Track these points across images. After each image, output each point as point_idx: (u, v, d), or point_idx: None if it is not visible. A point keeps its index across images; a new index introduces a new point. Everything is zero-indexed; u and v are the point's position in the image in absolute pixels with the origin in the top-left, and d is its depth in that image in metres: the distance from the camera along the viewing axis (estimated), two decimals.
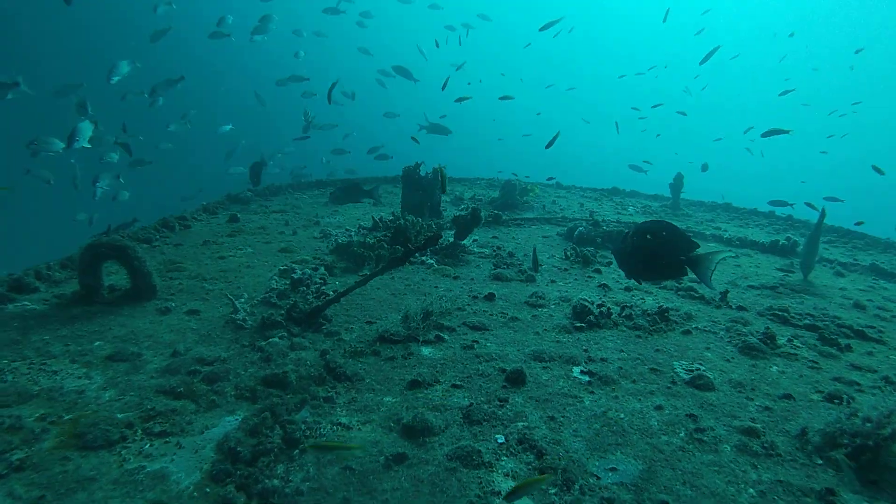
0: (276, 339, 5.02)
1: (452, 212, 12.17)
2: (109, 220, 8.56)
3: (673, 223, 4.71)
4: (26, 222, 40.50)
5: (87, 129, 6.40)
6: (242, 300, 6.01)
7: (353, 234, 9.49)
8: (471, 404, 4.07)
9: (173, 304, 5.83)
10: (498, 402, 4.17)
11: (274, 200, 12.68)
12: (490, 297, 6.59)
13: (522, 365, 4.77)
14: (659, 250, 4.60)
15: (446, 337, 5.35)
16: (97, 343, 4.90)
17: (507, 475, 3.35)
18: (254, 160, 11.35)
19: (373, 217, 9.78)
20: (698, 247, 4.51)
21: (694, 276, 4.56)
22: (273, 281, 6.72)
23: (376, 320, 5.74)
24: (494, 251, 8.88)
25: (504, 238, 10.13)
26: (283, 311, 5.58)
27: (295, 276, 6.61)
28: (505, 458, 3.52)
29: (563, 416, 4.05)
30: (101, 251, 5.74)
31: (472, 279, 7.42)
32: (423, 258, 8.09)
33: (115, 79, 9.70)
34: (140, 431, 3.60)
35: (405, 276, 7.42)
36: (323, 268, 7.16)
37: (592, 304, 6.23)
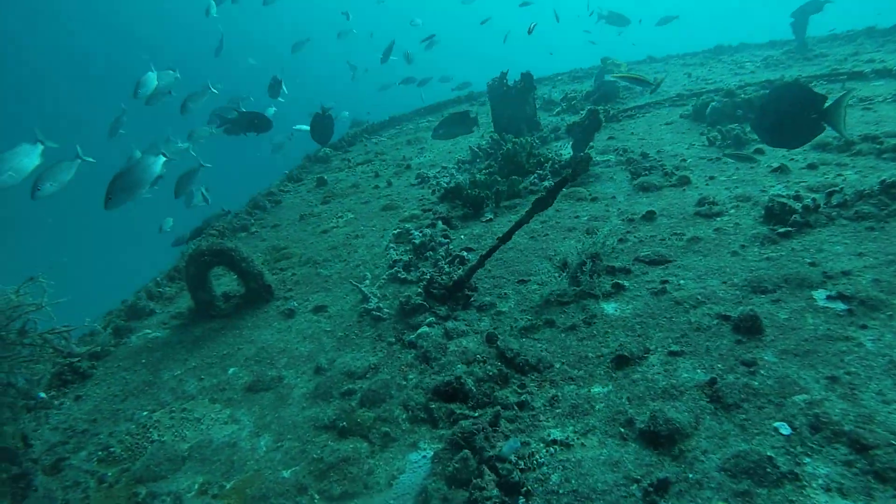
0: (426, 329, 4.16)
1: (549, 120, 10.77)
2: (192, 222, 7.95)
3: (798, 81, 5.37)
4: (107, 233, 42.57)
5: (158, 162, 5.79)
6: (367, 282, 5.19)
7: (454, 171, 8.43)
8: (712, 379, 3.05)
9: (296, 304, 5.10)
10: (745, 368, 3.12)
11: (352, 151, 11.76)
12: (650, 217, 5.41)
13: (745, 304, 3.67)
14: (792, 114, 4.74)
15: (626, 283, 4.29)
16: (231, 371, 4.25)
17: (828, 489, 2.34)
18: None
19: (470, 147, 8.64)
20: (826, 99, 4.58)
21: None
22: (391, 250, 5.85)
23: (528, 276, 4.76)
24: (620, 155, 7.56)
25: (622, 136, 8.71)
26: (419, 289, 4.72)
27: (415, 240, 5.70)
28: (807, 458, 2.51)
29: (846, 373, 2.95)
30: (204, 260, 5.04)
31: (613, 196, 6.22)
32: (545, 183, 6.94)
33: (143, 91, 8.87)
34: (317, 498, 2.87)
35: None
36: (440, 221, 6.20)
37: (786, 197, 4.92)
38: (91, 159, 6.23)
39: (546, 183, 6.89)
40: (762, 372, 3.05)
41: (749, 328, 3.41)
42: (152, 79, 8.76)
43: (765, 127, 5.03)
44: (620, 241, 5.03)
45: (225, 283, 5.88)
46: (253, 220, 8.04)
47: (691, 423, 2.79)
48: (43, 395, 4.04)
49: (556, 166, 7.21)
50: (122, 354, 4.83)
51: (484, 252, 4.60)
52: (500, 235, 4.50)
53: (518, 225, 4.47)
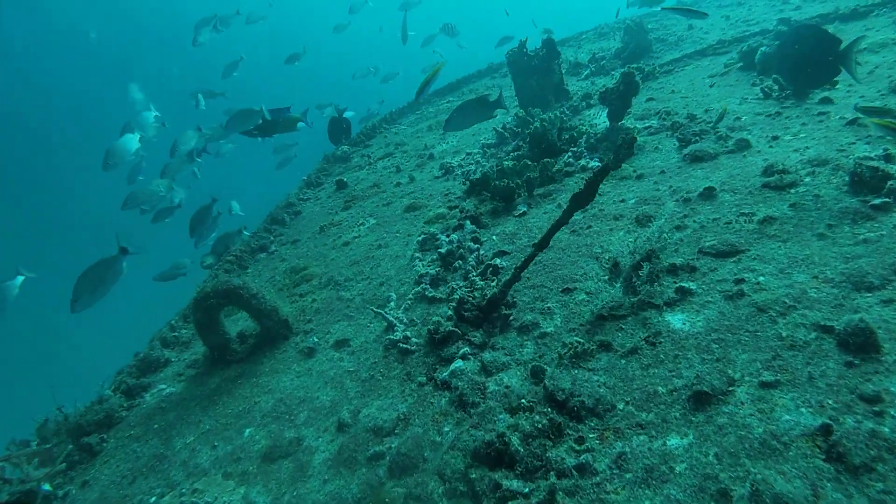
0: (460, 363, 3.58)
1: (577, 86, 9.91)
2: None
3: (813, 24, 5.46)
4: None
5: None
6: (392, 304, 4.63)
7: (479, 158, 7.74)
8: (826, 426, 2.36)
9: (316, 339, 4.58)
10: (866, 406, 2.42)
11: (373, 145, 11.16)
12: (709, 194, 4.64)
13: (848, 308, 2.93)
14: (811, 56, 5.12)
15: (692, 285, 3.58)
16: (247, 433, 3.77)
17: None
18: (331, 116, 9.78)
19: (494, 129, 7.91)
20: (840, 42, 4.91)
21: None
22: (417, 261, 5.26)
23: (573, 283, 4.10)
24: (663, 119, 6.71)
25: (663, 96, 7.82)
26: (449, 310, 4.12)
27: (441, 248, 5.08)
28: None
29: None
30: (210, 304, 4.56)
31: (662, 171, 5.44)
32: (581, 161, 6.19)
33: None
34: None
35: (570, 194, 5.62)
36: (468, 221, 5.56)
37: (875, 159, 4.07)
38: (33, 275, 5.95)
39: (583, 162, 6.14)
40: (893, 412, 2.34)
41: (861, 344, 2.68)
42: (132, 141, 8.29)
43: (786, 68, 5.59)
44: (678, 228, 4.30)
45: (245, 315, 5.42)
46: (272, 238, 7.58)
47: (808, 499, 2.12)
48: (48, 487, 3.65)
49: (593, 140, 6.44)
50: (133, 420, 4.42)
51: (519, 263, 3.95)
52: (536, 242, 3.84)
53: (555, 227, 3.80)
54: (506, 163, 6.17)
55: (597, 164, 5.98)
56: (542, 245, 3.81)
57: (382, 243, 6.07)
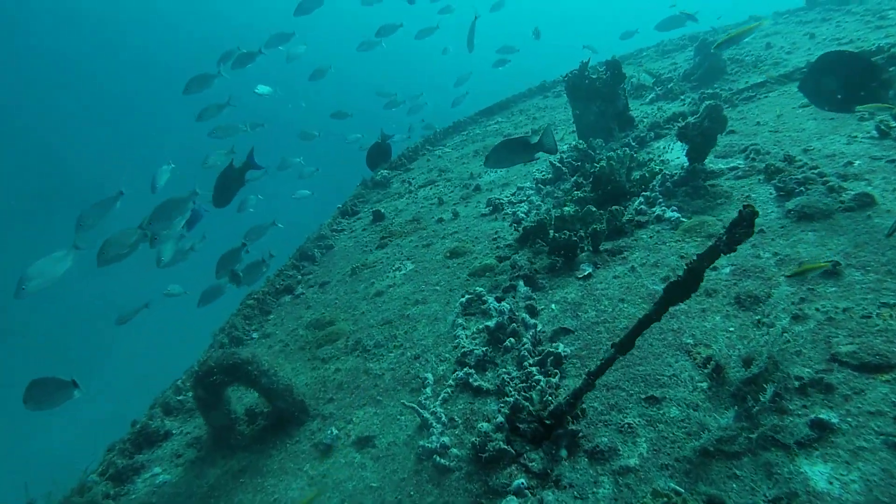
0: (514, 501, 2.72)
1: (641, 110, 8.94)
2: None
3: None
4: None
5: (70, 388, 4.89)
6: (428, 391, 3.80)
7: (531, 193, 6.87)
8: None
9: (335, 431, 3.77)
10: None
11: (414, 168, 10.40)
12: (832, 269, 3.66)
13: None
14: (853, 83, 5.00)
15: (832, 418, 2.63)
16: None
17: None
18: (374, 140, 9.11)
19: (551, 162, 7.03)
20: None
21: None
22: (460, 329, 4.43)
23: (659, 388, 3.19)
24: (752, 159, 5.71)
25: (746, 129, 6.79)
26: (499, 415, 3.26)
27: (490, 320, 4.24)
28: None
29: None
30: (214, 381, 3.82)
31: (760, 230, 4.47)
32: (656, 210, 5.25)
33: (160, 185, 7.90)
34: None
35: (644, 253, 4.70)
36: (521, 281, 4.69)
37: None
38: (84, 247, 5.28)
39: (658, 210, 5.20)
40: None
41: None
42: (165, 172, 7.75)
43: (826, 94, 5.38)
44: (795, 318, 3.35)
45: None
46: (300, 277, 6.86)
47: None
48: None
49: (669, 183, 5.50)
50: None
51: (592, 367, 3.06)
52: (616, 341, 2.94)
53: (643, 324, 2.90)
54: (566, 209, 5.28)
55: (676, 215, 5.03)
56: (624, 347, 2.92)
57: (420, 298, 5.26)
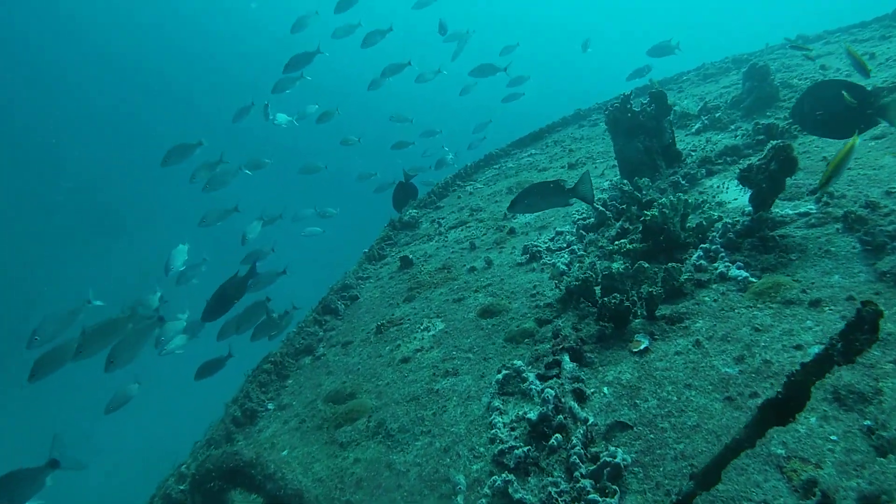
0: None
1: (686, 141, 8.28)
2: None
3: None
4: None
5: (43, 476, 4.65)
6: (460, 499, 3.21)
7: (572, 239, 6.26)
8: None
9: None
10: None
11: (444, 206, 9.89)
12: None
13: None
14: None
15: None
16: None
17: None
18: (398, 181, 8.64)
19: (593, 206, 6.43)
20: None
21: None
22: (496, 414, 3.83)
23: None
24: (826, 204, 5.01)
25: (812, 165, 6.08)
26: None
27: (532, 412, 3.64)
28: None
29: None
30: (212, 488, 3.30)
31: (850, 297, 3.77)
32: (719, 266, 4.59)
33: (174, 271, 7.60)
34: None
35: (710, 321, 4.05)
36: (567, 355, 4.08)
37: None
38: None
39: (721, 267, 4.54)
40: None
41: None
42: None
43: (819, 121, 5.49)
44: None
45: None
46: (322, 333, 6.36)
47: None
48: None
49: (731, 234, 4.84)
50: None
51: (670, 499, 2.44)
52: (697, 472, 2.32)
53: (732, 452, 2.27)
54: (614, 266, 4.66)
55: (744, 273, 4.37)
56: (707, 481, 2.30)
57: (450, 368, 4.69)
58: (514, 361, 4.26)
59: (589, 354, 4.12)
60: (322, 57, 12.10)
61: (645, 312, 4.32)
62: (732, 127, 8.23)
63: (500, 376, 4.17)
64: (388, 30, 13.51)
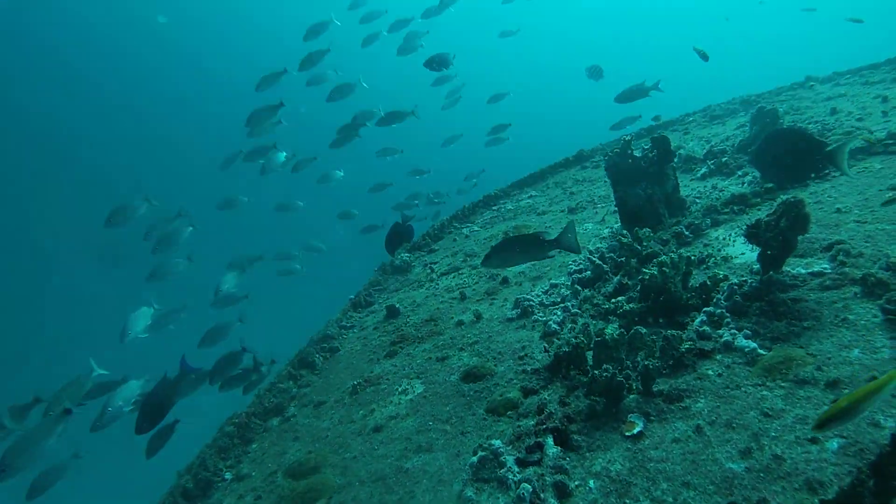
0: None
1: (691, 188, 7.88)
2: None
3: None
4: None
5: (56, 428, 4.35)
6: None
7: (567, 295, 5.82)
8: None
9: None
10: None
11: (439, 250, 9.50)
12: None
13: None
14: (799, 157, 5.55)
15: None
16: None
17: None
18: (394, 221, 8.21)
19: (590, 258, 6.00)
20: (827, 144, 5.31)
21: None
22: None
23: None
24: (842, 263, 4.55)
25: (824, 217, 5.62)
26: None
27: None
28: None
29: None
30: None
31: (873, 376, 3.30)
32: (724, 334, 4.12)
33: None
34: None
35: (713, 401, 3.57)
36: (551, 438, 3.60)
37: None
38: None
39: (726, 336, 4.07)
40: None
41: None
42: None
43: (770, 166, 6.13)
44: None
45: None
46: (296, 390, 5.91)
47: None
48: None
49: (738, 296, 4.38)
50: None
51: None
52: None
53: None
54: (608, 330, 4.20)
55: (752, 344, 3.90)
56: None
57: (424, 442, 4.22)
58: (493, 441, 3.78)
59: (576, 436, 3.64)
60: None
61: (640, 387, 3.84)
62: (739, 172, 7.82)
63: (475, 459, 3.69)
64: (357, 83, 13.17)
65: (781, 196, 4.53)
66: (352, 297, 7.98)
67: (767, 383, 3.56)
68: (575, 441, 3.60)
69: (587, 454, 3.49)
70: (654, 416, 3.62)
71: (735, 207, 6.51)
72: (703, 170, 8.29)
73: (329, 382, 5.91)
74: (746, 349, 3.88)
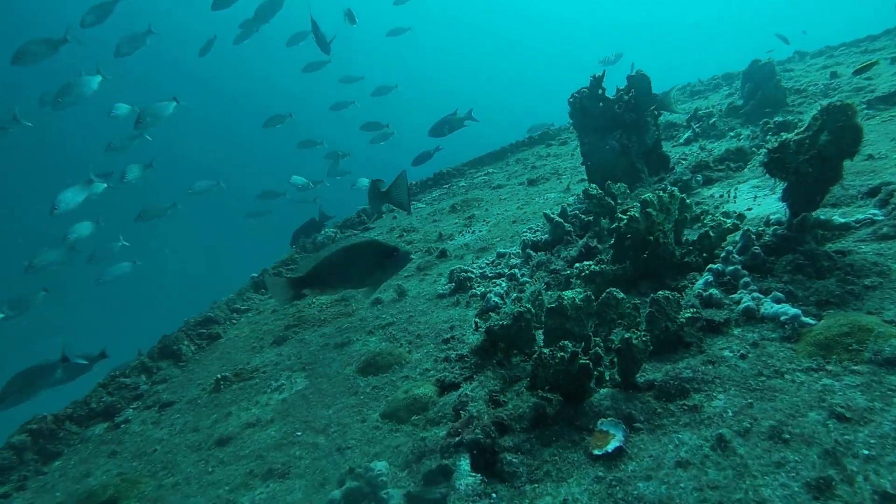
0: None
1: (677, 152, 6.52)
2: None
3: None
4: None
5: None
6: None
7: (517, 264, 4.35)
8: None
9: None
10: None
11: (375, 227, 7.97)
12: None
13: None
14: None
15: None
16: None
17: None
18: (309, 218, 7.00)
19: (546, 214, 4.56)
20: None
21: None
22: None
23: None
24: (887, 204, 3.18)
25: (854, 165, 4.29)
26: None
27: None
28: None
29: None
30: None
31: None
32: (743, 298, 2.69)
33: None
34: None
35: (738, 396, 2.13)
36: (465, 459, 2.10)
37: None
38: None
39: (746, 300, 2.64)
40: None
41: None
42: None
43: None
44: None
45: None
46: (147, 386, 4.29)
47: None
48: None
49: (758, 247, 2.95)
50: None
51: None
52: None
53: None
54: (568, 294, 2.72)
55: (788, 310, 2.46)
56: None
57: (280, 464, 2.68)
58: (374, 464, 2.26)
59: (510, 455, 2.14)
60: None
61: (618, 376, 2.37)
62: (732, 134, 6.51)
63: (338, 495, 2.16)
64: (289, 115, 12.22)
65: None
66: (254, 274, 6.36)
67: (828, 367, 2.12)
68: (508, 464, 2.10)
69: (527, 488, 2.00)
70: (641, 421, 2.15)
71: (732, 164, 5.17)
72: (688, 134, 6.95)
73: (192, 377, 4.31)
74: (783, 317, 2.45)
